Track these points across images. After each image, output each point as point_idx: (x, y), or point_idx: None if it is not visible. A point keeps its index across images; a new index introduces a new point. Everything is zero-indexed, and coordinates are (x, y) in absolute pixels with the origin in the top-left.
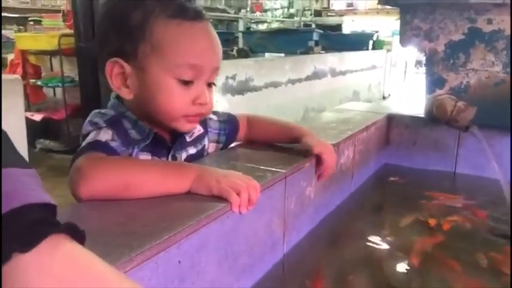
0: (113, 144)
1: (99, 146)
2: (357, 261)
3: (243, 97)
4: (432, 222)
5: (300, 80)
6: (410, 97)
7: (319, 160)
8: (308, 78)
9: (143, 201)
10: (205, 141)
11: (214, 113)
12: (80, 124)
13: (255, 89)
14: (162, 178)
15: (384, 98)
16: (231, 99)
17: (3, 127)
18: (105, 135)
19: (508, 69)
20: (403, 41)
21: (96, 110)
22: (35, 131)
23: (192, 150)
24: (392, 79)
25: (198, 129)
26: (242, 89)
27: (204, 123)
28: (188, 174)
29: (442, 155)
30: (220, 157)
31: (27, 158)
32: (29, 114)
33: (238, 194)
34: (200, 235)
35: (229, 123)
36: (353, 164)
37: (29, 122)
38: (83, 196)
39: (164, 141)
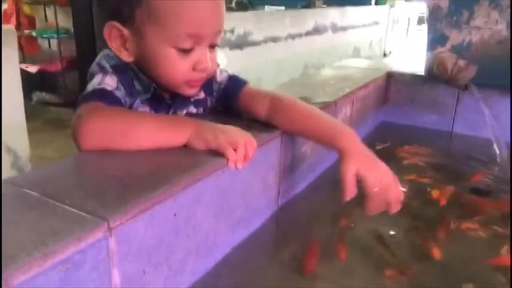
0: (117, 93)
1: (104, 95)
2: (350, 217)
3: (241, 51)
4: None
5: (300, 35)
6: (412, 55)
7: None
8: (308, 33)
9: (140, 154)
10: (208, 104)
11: (229, 77)
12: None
13: (254, 43)
14: (158, 128)
15: (384, 55)
16: (229, 53)
17: None
18: (110, 81)
19: None
20: None
21: (107, 51)
22: (30, 83)
23: (193, 110)
24: (394, 36)
25: (200, 94)
26: (241, 43)
27: (209, 87)
28: (185, 127)
29: (440, 114)
30: (217, 113)
31: (24, 111)
32: (24, 66)
33: (235, 150)
34: (196, 189)
35: (225, 90)
36: (350, 121)
37: (24, 74)
38: (81, 141)
39: (163, 98)
